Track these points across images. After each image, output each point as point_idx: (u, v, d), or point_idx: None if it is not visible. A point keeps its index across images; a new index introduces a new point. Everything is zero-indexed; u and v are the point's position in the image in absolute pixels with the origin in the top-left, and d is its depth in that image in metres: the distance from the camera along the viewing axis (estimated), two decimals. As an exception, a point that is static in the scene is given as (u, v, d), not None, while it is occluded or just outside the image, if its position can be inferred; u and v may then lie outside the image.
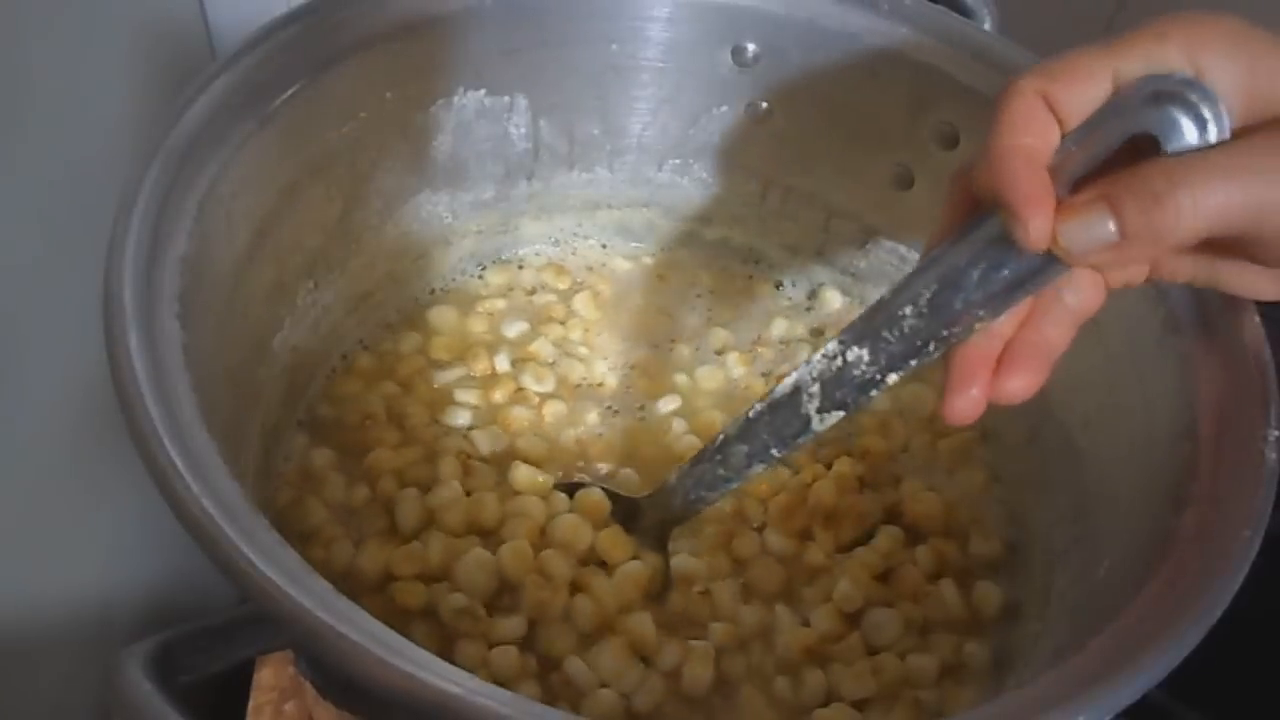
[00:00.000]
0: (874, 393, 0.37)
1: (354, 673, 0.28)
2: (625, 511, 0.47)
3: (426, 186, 0.54)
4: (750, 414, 0.41)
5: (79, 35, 0.48)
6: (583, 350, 0.55)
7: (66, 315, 0.44)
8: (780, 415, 0.39)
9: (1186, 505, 0.37)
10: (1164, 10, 0.78)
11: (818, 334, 0.58)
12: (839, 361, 0.37)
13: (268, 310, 0.46)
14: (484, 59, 0.51)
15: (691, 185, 0.59)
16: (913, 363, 0.35)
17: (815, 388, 0.38)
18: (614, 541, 0.46)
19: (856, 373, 0.36)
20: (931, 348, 0.35)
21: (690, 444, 0.50)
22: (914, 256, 0.55)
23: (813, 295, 0.60)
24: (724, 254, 0.61)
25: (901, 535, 0.48)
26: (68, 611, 0.50)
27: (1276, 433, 0.38)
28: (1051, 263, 0.31)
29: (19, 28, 0.43)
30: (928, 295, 0.34)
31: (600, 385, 0.54)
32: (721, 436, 0.42)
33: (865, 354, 0.36)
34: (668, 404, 0.53)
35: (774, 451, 0.40)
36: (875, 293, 0.58)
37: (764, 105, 0.55)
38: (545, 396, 0.53)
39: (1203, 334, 0.41)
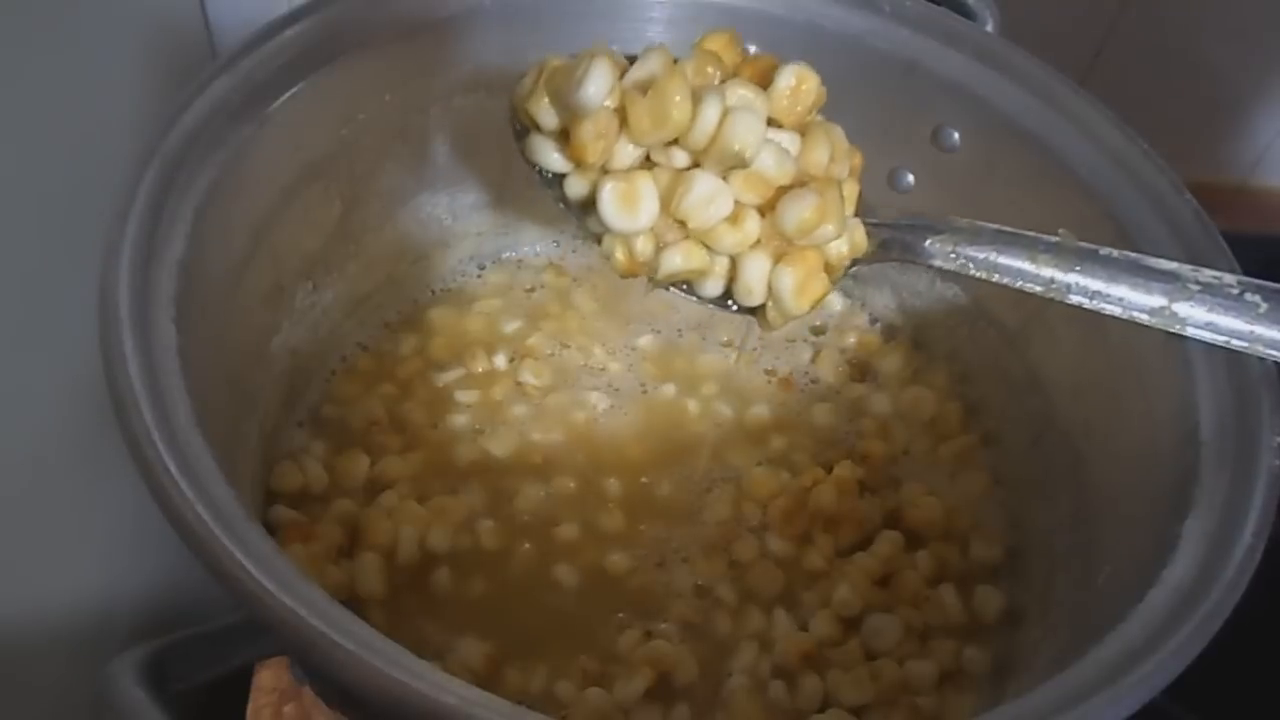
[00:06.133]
0: (1230, 341, 0.38)
1: (349, 681, 0.28)
2: None
3: (426, 188, 0.53)
4: (1103, 251, 0.40)
5: (79, 35, 0.48)
6: (580, 339, 0.55)
7: (64, 317, 0.44)
8: (1141, 276, 0.39)
9: (1189, 511, 0.37)
10: (1167, 11, 0.77)
11: (818, 333, 0.58)
12: (1235, 291, 0.37)
13: (266, 313, 0.46)
14: (484, 60, 0.50)
15: (692, 186, 0.58)
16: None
17: (1196, 288, 0.38)
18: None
19: (1241, 312, 0.37)
20: None
21: (708, 427, 0.51)
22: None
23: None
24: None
25: (901, 540, 0.48)
26: (65, 615, 0.50)
27: (1279, 438, 0.37)
28: None
29: (19, 27, 0.43)
30: None
31: (603, 369, 0.54)
32: (1056, 240, 0.41)
33: (1263, 304, 0.37)
34: (671, 387, 0.53)
35: (1091, 290, 0.40)
36: (876, 294, 0.58)
37: (765, 107, 0.55)
38: (545, 390, 0.53)
39: (1205, 339, 0.41)
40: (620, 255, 0.40)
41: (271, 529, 0.44)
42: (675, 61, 0.38)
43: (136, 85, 0.54)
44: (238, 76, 0.42)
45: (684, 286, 0.42)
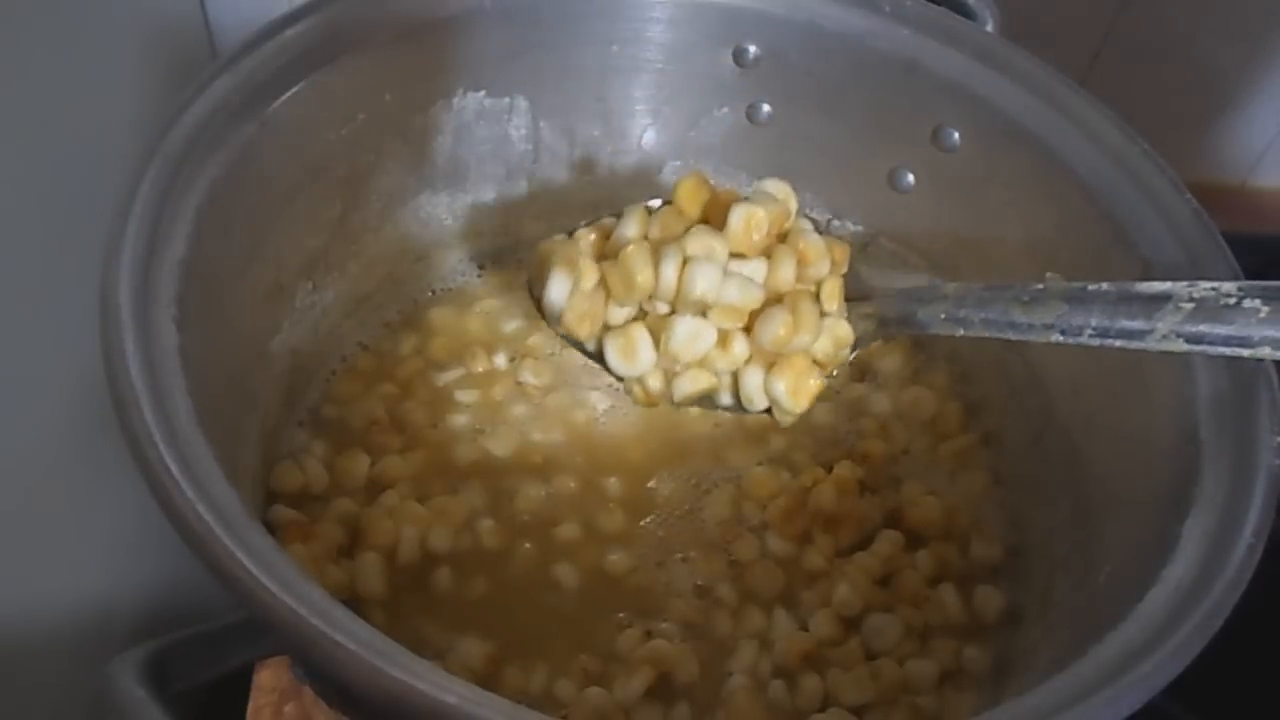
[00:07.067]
0: (1236, 351, 0.35)
1: (349, 681, 0.28)
2: None
3: (426, 188, 0.53)
4: (1090, 286, 0.38)
5: (79, 35, 0.48)
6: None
7: (65, 317, 0.44)
8: (1129, 307, 0.37)
9: (1189, 510, 0.37)
10: (1167, 11, 0.77)
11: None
12: (1231, 301, 0.35)
13: (266, 312, 0.46)
14: (484, 61, 0.51)
15: (692, 187, 0.58)
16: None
17: (1189, 306, 0.36)
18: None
19: (1243, 321, 0.35)
20: None
21: (708, 427, 0.51)
22: (915, 259, 0.55)
23: (814, 297, 0.59)
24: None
25: (902, 539, 0.48)
26: (66, 615, 0.50)
27: (1278, 438, 0.37)
28: None
29: (19, 28, 0.43)
30: None
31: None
32: (1041, 286, 0.40)
33: (1264, 308, 0.34)
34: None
35: (1089, 327, 0.38)
36: (876, 295, 0.58)
37: (765, 107, 0.55)
38: (545, 389, 0.53)
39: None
40: (638, 392, 0.46)
41: (272, 529, 0.43)
42: (651, 212, 0.45)
43: (136, 85, 0.54)
44: (238, 76, 0.42)
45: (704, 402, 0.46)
